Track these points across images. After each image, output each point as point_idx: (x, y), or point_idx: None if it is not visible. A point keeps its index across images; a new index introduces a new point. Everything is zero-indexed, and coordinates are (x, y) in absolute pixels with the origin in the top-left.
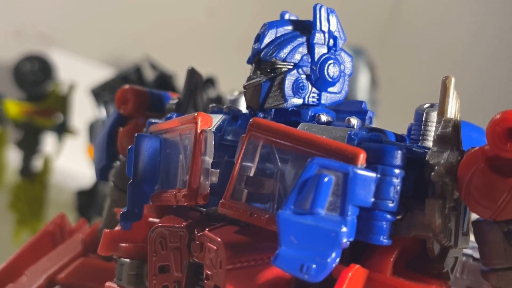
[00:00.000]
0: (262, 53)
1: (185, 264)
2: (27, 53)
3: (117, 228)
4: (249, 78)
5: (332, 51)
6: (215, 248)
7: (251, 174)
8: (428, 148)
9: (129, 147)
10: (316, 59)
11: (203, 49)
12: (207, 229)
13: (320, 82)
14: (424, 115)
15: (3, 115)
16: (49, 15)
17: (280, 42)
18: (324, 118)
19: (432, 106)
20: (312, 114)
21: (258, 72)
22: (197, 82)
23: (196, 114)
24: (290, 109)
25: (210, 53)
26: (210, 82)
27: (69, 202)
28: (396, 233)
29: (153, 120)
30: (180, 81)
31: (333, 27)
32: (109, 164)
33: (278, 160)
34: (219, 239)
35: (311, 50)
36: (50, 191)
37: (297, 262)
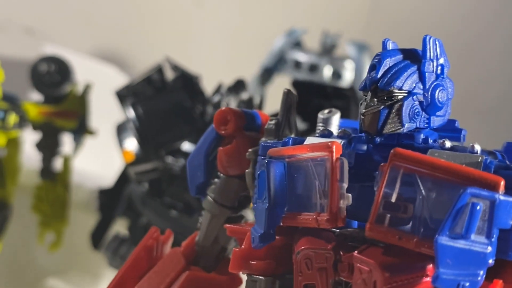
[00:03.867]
0: (379, 82)
1: (331, 282)
2: (44, 55)
3: (244, 246)
4: (367, 106)
5: (440, 78)
6: (368, 269)
7: (393, 200)
8: None
9: (260, 171)
10: (427, 86)
11: (192, 40)
12: (355, 251)
13: (431, 107)
14: None
15: (25, 117)
16: (35, 8)
17: (395, 72)
18: (448, 144)
19: None
20: (424, 137)
21: (375, 99)
22: (292, 103)
23: (330, 143)
24: (402, 133)
25: (199, 44)
26: (241, 85)
27: (86, 202)
28: None
29: (269, 144)
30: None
31: (440, 56)
32: (206, 181)
33: (420, 187)
34: (372, 261)
35: (422, 78)
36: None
37: (454, 281)
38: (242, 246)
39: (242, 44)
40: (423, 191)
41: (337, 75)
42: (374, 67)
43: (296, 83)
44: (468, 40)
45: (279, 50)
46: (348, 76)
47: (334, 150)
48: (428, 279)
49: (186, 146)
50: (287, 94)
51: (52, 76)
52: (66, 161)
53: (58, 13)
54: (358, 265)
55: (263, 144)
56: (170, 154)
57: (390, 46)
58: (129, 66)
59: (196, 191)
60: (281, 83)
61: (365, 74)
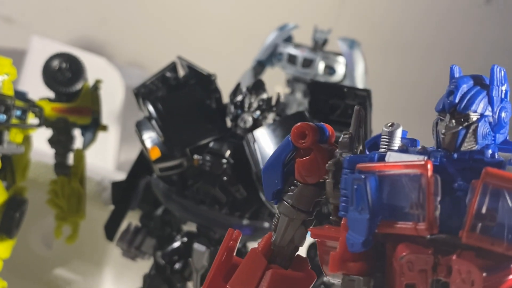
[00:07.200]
0: (458, 106)
1: (430, 282)
2: (55, 52)
3: (339, 250)
4: (447, 127)
5: (504, 101)
6: (468, 270)
7: (483, 211)
8: None
9: (357, 185)
10: (495, 109)
11: (181, 31)
12: (454, 255)
13: (497, 127)
14: None
15: (43, 115)
16: None
17: (471, 97)
18: None
19: None
20: (492, 152)
21: (453, 121)
22: (361, 118)
23: (423, 161)
24: (475, 150)
25: (180, 32)
26: (260, 84)
27: (93, 195)
28: None
29: (354, 158)
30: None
31: (504, 82)
32: (283, 188)
33: (507, 200)
34: (472, 264)
35: (491, 102)
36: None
37: None
38: (337, 250)
39: (226, 33)
40: (510, 203)
41: (331, 69)
42: (452, 92)
43: (311, 84)
44: (443, 37)
45: (271, 44)
46: (340, 71)
47: (429, 168)
48: None
49: (211, 143)
50: (358, 111)
51: (64, 73)
52: (80, 155)
53: (39, 3)
54: (457, 266)
55: (348, 158)
56: (195, 151)
57: (457, 71)
58: (112, 56)
59: (272, 196)
60: (272, 75)
61: (357, 67)
